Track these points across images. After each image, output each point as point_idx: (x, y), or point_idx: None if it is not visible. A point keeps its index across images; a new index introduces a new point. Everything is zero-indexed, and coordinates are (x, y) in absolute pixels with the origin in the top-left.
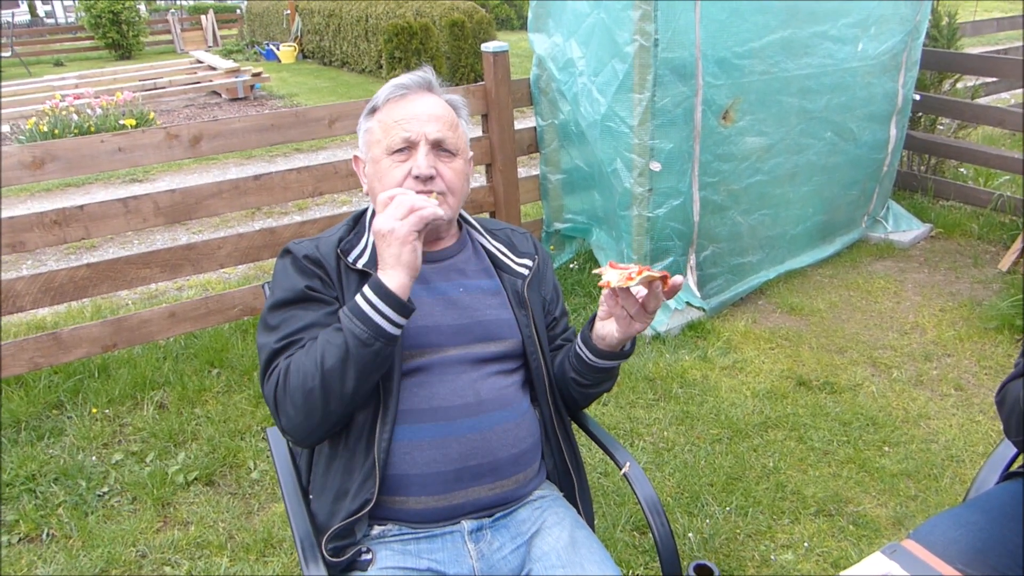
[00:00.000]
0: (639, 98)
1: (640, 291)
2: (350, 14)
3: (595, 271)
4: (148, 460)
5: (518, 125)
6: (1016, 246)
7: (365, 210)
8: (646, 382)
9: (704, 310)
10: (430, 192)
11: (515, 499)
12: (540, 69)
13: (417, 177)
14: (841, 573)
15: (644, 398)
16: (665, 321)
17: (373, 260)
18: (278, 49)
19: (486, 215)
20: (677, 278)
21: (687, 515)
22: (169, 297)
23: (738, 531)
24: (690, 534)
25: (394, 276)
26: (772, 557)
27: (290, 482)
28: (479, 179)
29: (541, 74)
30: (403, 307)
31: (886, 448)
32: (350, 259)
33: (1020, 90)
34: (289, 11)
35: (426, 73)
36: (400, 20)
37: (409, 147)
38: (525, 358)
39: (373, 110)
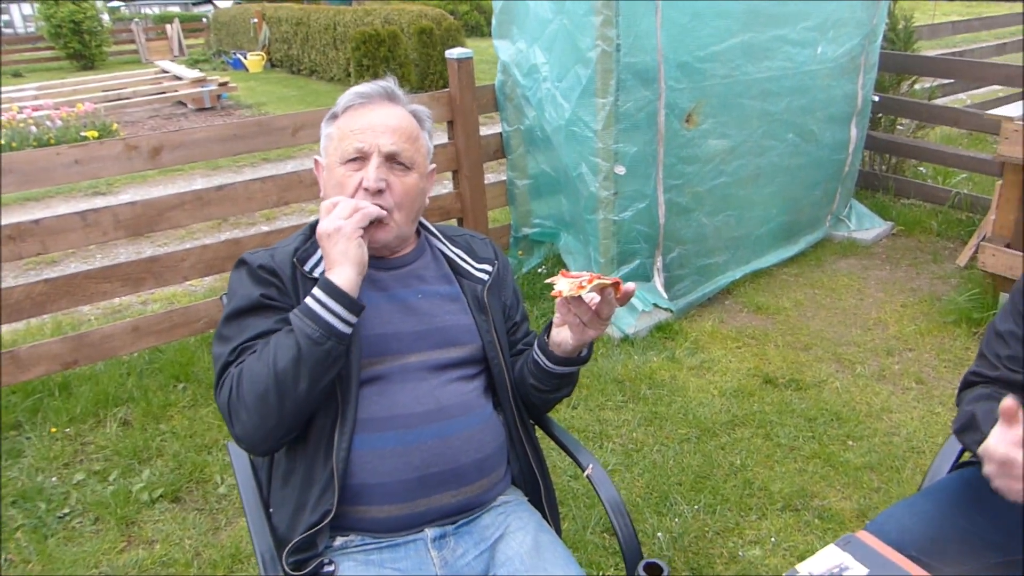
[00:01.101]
0: (603, 103)
1: (593, 298)
2: (318, 22)
3: (547, 280)
4: (111, 479)
5: (484, 131)
6: (973, 242)
7: None
8: (615, 384)
9: (672, 311)
10: (379, 206)
11: (479, 505)
12: (505, 75)
13: (367, 189)
14: (796, 566)
15: (613, 400)
16: (633, 323)
17: None
18: (245, 58)
19: (453, 221)
20: (629, 285)
21: (656, 515)
22: (133, 311)
23: (707, 529)
24: (659, 533)
25: (341, 272)
26: (740, 553)
27: (251, 495)
28: (446, 186)
29: (506, 80)
30: (353, 304)
31: (850, 442)
32: (307, 268)
33: (976, 90)
34: (256, 20)
35: (388, 83)
36: (368, 28)
37: (362, 157)
38: (486, 363)
39: (334, 116)
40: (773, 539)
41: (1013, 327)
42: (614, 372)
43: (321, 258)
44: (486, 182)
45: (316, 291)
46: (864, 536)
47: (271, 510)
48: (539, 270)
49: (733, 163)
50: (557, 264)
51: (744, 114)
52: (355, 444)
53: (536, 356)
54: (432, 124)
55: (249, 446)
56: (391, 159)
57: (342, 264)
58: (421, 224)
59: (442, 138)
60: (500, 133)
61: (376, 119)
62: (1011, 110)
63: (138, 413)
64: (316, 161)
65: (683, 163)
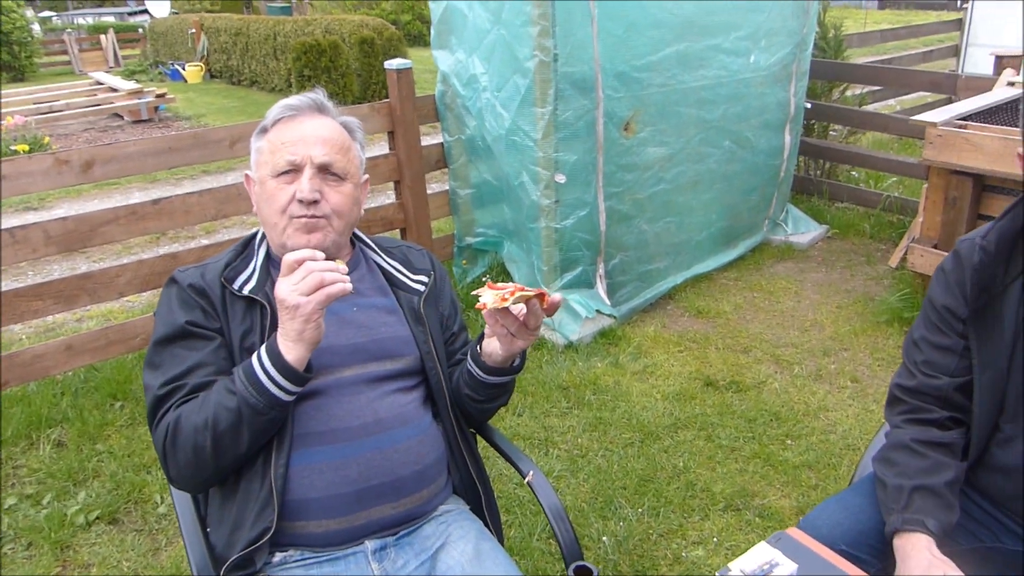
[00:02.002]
0: (542, 112)
1: (520, 309)
2: (258, 32)
3: (473, 293)
4: (45, 502)
5: (426, 141)
6: (903, 244)
7: (255, 234)
8: (560, 391)
9: (615, 317)
10: (315, 217)
11: (419, 515)
12: (445, 85)
13: (301, 201)
14: (728, 564)
15: (558, 407)
16: (577, 330)
17: (260, 285)
18: (184, 69)
19: (396, 232)
20: (555, 296)
21: (601, 519)
22: (67, 329)
23: (651, 531)
24: (605, 538)
25: (295, 350)
26: (684, 554)
27: (188, 514)
28: (389, 196)
29: (446, 90)
30: (300, 378)
31: (789, 441)
32: (235, 286)
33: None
34: (194, 30)
35: (318, 94)
36: (309, 38)
37: (294, 170)
38: (424, 375)
39: (263, 130)
40: (715, 539)
41: (925, 332)
42: (559, 379)
43: (251, 274)
44: (428, 192)
45: (264, 359)
46: (794, 533)
47: (208, 529)
48: (483, 279)
49: (672, 170)
50: (501, 273)
51: (681, 122)
52: (292, 460)
53: (469, 366)
54: (363, 135)
55: (183, 489)
56: (324, 170)
57: (296, 342)
58: (356, 236)
59: (383, 149)
60: (441, 143)
61: (307, 131)
62: (935, 115)
63: (73, 434)
64: (247, 176)
65: (623, 171)
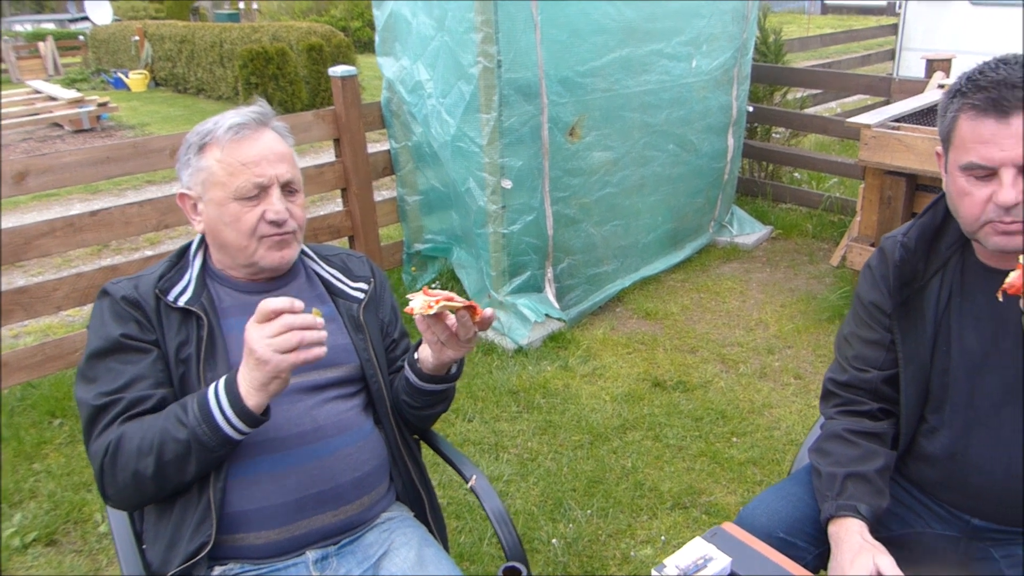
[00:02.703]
0: (486, 118)
1: (451, 318)
2: (203, 39)
3: (407, 296)
4: None
5: (373, 148)
6: (843, 242)
7: (189, 244)
8: (510, 395)
9: (564, 321)
10: (285, 233)
11: (361, 523)
12: (390, 92)
13: (273, 222)
14: (664, 560)
15: (508, 411)
16: (526, 334)
17: (196, 296)
18: (127, 77)
19: (345, 240)
20: (487, 311)
21: (551, 522)
22: (3, 346)
23: (600, 532)
24: (554, 540)
25: (257, 397)
26: (632, 553)
27: (123, 530)
28: (336, 204)
29: (392, 97)
30: (258, 421)
31: (734, 439)
32: (170, 298)
33: (847, 99)
34: (138, 37)
35: (261, 107)
36: (255, 45)
37: (260, 191)
38: (365, 381)
39: (203, 147)
40: (663, 537)
41: (854, 328)
42: (509, 383)
43: (187, 285)
44: (376, 199)
45: (223, 400)
46: (729, 527)
47: (144, 546)
48: (433, 285)
49: (617, 174)
50: (451, 279)
51: (626, 126)
52: (231, 472)
53: (406, 373)
54: (292, 138)
55: (118, 508)
56: (286, 187)
57: (259, 391)
58: None
59: (330, 156)
60: (388, 150)
61: (263, 149)
62: (869, 117)
63: (8, 453)
64: (183, 195)
65: (569, 175)
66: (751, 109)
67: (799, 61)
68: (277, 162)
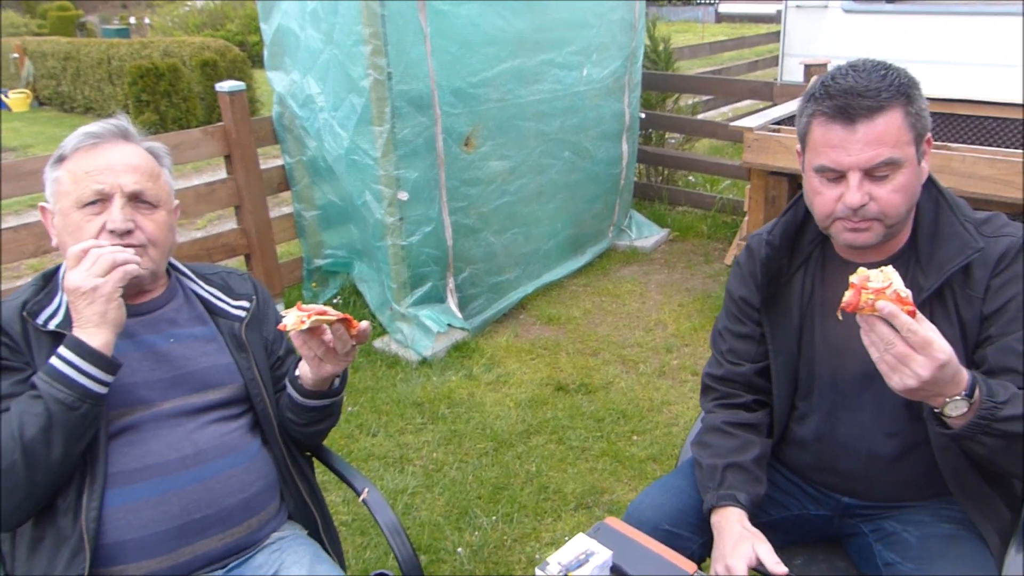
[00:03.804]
0: (379, 130)
1: (327, 333)
2: (90, 56)
3: (281, 312)
4: None
5: (268, 164)
6: (735, 242)
7: (57, 267)
8: (414, 407)
9: (467, 330)
10: (128, 246)
11: (250, 545)
12: (282, 106)
13: (112, 231)
14: (548, 558)
15: (413, 423)
16: (430, 345)
17: (67, 320)
18: (7, 96)
19: (241, 258)
20: (363, 324)
21: (457, 531)
22: None
23: (505, 538)
24: (460, 549)
25: (98, 334)
26: (537, 556)
27: None
28: (230, 222)
29: (283, 111)
30: (110, 364)
31: (635, 437)
32: (39, 321)
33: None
34: (17, 54)
35: (121, 120)
36: (145, 61)
37: (103, 199)
38: (250, 401)
39: (61, 159)
40: (567, 538)
41: (727, 323)
42: (413, 396)
43: (57, 308)
44: (272, 215)
45: (65, 352)
46: (613, 522)
47: None
48: (334, 301)
49: (515, 182)
50: (353, 294)
51: (521, 135)
52: (107, 501)
53: (288, 391)
54: (171, 161)
55: (7, 526)
56: (135, 198)
57: (100, 326)
58: (172, 265)
59: (221, 173)
60: (283, 165)
61: (113, 158)
62: (752, 121)
63: None
64: (43, 208)
65: (466, 185)
66: (643, 116)
67: (693, 68)
68: (125, 172)
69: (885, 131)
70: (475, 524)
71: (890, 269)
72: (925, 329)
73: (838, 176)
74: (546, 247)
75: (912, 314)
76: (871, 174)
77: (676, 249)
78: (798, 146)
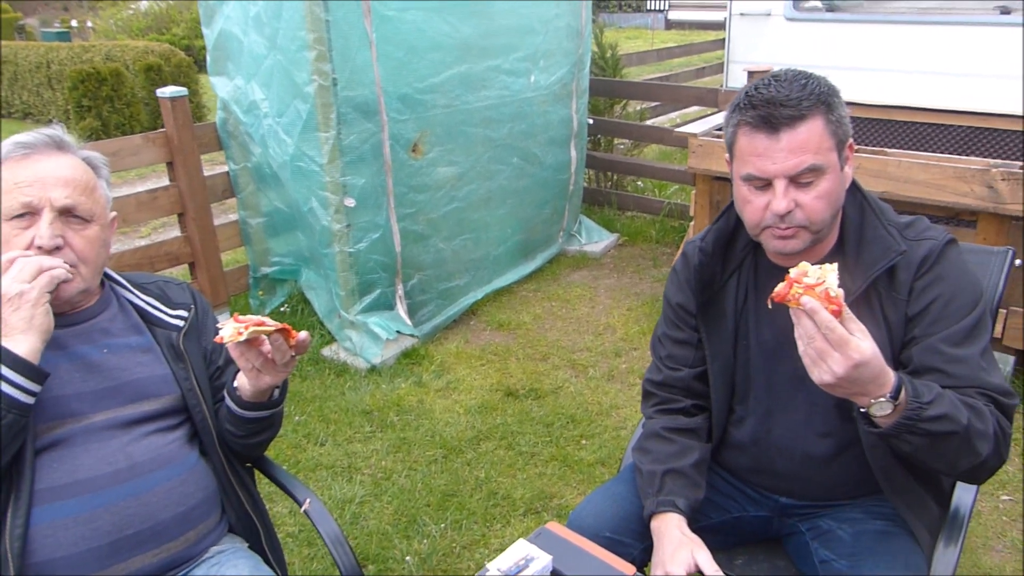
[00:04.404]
0: (325, 136)
1: (266, 344)
2: (27, 60)
3: (217, 325)
4: None
5: (213, 170)
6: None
7: None
8: (363, 415)
9: (417, 337)
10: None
11: (187, 559)
12: (226, 112)
13: (40, 248)
14: (487, 564)
15: (361, 432)
16: (379, 353)
17: None
18: None
19: (185, 267)
20: (302, 334)
21: (405, 539)
22: None
23: (454, 545)
24: (408, 557)
25: (24, 341)
26: (485, 563)
27: None
28: (173, 230)
29: (228, 117)
30: (37, 373)
31: (584, 441)
32: None
33: (688, 109)
34: None
35: (55, 130)
36: (87, 65)
37: (31, 213)
38: (188, 412)
39: None
40: None
41: (666, 329)
42: (362, 404)
43: None
44: (217, 223)
45: None
46: (554, 527)
47: None
48: (281, 309)
49: (463, 188)
50: (300, 302)
51: (469, 141)
52: (33, 518)
53: (227, 402)
54: (109, 171)
55: None
56: (67, 213)
57: (26, 332)
58: (106, 274)
59: (163, 180)
60: (227, 172)
61: (45, 170)
62: (696, 127)
63: None
64: None
65: (414, 192)
66: (591, 121)
67: (642, 74)
68: (56, 186)
69: (807, 139)
70: (424, 532)
71: (830, 267)
72: (843, 329)
73: (765, 184)
74: (496, 253)
75: (836, 313)
76: (796, 181)
77: (625, 254)
78: (727, 155)
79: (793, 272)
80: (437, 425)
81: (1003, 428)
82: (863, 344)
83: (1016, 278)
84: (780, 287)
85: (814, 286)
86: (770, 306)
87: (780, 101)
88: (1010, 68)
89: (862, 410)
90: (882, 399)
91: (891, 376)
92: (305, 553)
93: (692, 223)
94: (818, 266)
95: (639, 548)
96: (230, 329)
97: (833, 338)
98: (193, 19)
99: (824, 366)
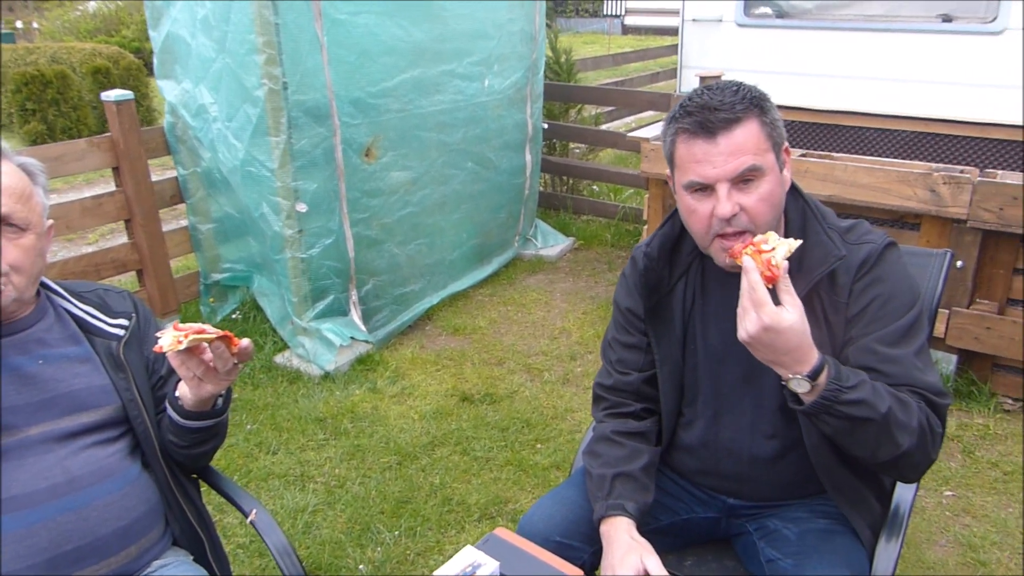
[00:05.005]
0: (276, 141)
1: (207, 352)
2: None
3: (156, 334)
4: None
5: (160, 176)
6: None
7: None
8: (316, 423)
9: (371, 343)
10: None
11: (129, 574)
12: (174, 116)
13: None
14: (435, 571)
15: (315, 439)
16: (332, 359)
17: None
18: None
19: (132, 275)
20: (244, 341)
21: (359, 547)
22: None
23: (408, 552)
24: (361, 566)
25: None
26: (433, 571)
27: None
28: (120, 236)
29: (176, 122)
30: None
31: (539, 445)
32: None
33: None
34: None
35: None
36: (31, 68)
37: None
38: (129, 423)
39: None
40: None
41: (615, 333)
42: (315, 411)
43: None
44: (165, 229)
45: None
46: (502, 532)
47: None
48: (233, 316)
49: (418, 193)
50: (253, 309)
51: (423, 146)
52: None
53: (169, 412)
54: (46, 178)
55: None
56: (1, 222)
57: None
58: (42, 283)
59: (109, 186)
60: (176, 177)
61: None
62: (648, 132)
63: None
64: None
65: (367, 196)
66: (546, 126)
67: (598, 79)
68: None
69: (745, 140)
70: (378, 540)
71: (789, 241)
72: (765, 292)
73: (708, 190)
74: (451, 257)
75: (771, 279)
76: (737, 183)
77: (581, 257)
78: (667, 170)
79: (759, 236)
80: (392, 431)
81: (932, 425)
82: (784, 313)
83: (957, 278)
84: (738, 244)
85: (763, 252)
86: (727, 260)
87: (714, 106)
88: (952, 74)
89: (782, 383)
90: (799, 376)
91: (814, 356)
92: (256, 564)
93: (646, 227)
94: (784, 239)
95: (588, 552)
96: (169, 338)
97: (754, 297)
98: (143, 21)
99: (744, 323)
